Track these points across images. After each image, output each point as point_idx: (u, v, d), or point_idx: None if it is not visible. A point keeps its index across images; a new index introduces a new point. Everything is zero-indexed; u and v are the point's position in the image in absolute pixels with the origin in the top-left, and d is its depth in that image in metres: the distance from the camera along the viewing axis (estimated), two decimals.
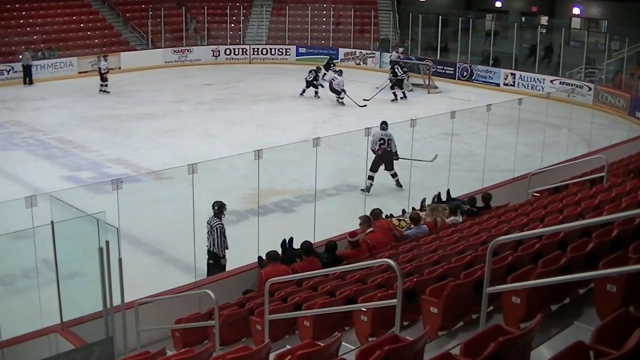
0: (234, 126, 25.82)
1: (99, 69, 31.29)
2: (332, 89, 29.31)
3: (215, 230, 12.76)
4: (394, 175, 18.49)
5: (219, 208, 12.93)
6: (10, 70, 30.71)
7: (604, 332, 4.96)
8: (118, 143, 23.51)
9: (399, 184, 18.41)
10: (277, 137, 22.93)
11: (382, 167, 18.56)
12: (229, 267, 12.36)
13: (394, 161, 18.51)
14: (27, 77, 31.44)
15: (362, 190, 18.03)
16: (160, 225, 13.35)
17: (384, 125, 18.46)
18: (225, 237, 12.90)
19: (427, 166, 18.99)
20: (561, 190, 14.32)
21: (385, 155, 18.29)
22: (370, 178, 18.22)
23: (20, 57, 32.18)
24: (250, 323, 9.55)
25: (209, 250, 12.92)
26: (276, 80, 32.92)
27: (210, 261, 12.92)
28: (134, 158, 21.70)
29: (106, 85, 31.08)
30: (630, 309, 5.90)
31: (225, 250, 12.94)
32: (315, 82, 30.77)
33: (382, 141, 18.24)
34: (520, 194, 15.54)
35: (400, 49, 35.47)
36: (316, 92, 30.76)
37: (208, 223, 12.90)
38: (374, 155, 18.27)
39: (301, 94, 30.69)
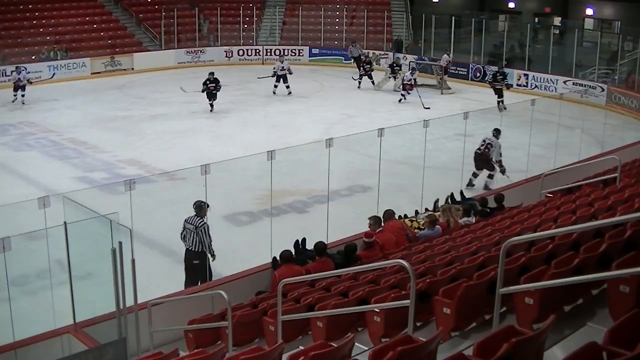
0: (247, 127, 25.85)
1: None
2: None
3: (201, 230, 12.58)
4: (490, 177, 18.82)
5: (199, 207, 12.73)
6: (22, 70, 30.62)
7: (617, 333, 4.96)
8: (131, 144, 23.59)
9: (488, 180, 18.90)
10: (290, 137, 22.93)
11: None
12: (242, 268, 12.32)
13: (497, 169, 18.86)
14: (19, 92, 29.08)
15: (467, 185, 18.55)
16: (173, 226, 13.35)
17: (494, 131, 19.00)
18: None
19: (441, 167, 18.99)
20: (574, 191, 14.26)
21: (482, 156, 18.77)
22: (474, 174, 18.95)
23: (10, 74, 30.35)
24: (264, 324, 9.55)
25: (194, 251, 12.68)
26: (289, 81, 32.91)
27: (196, 262, 12.64)
28: (147, 159, 21.76)
29: (23, 96, 28.98)
30: None
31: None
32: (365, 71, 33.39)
33: (483, 143, 18.81)
34: (534, 194, 15.49)
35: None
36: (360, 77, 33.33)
37: (190, 223, 12.67)
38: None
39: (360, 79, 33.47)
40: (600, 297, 7.31)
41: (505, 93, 28.85)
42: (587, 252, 7.70)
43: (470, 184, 18.71)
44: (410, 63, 34.42)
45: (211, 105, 27.94)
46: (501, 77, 29.16)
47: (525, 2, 45.26)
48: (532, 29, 37.98)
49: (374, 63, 34.65)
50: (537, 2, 45.29)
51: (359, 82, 33.19)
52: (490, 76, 30.45)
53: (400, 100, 29.94)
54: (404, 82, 30.14)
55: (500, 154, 18.74)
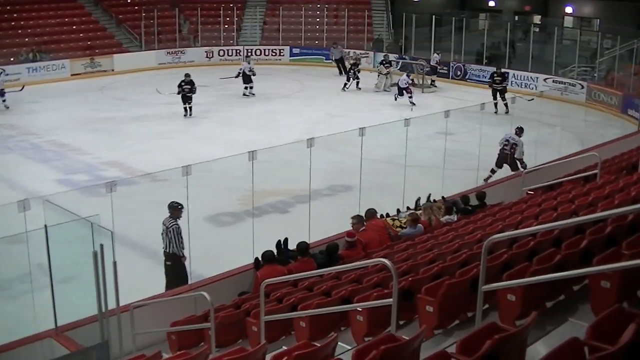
0: (231, 127, 25.79)
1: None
2: None
3: (170, 230, 12.71)
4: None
5: (173, 209, 12.84)
6: (1, 73, 30.45)
7: (599, 328, 4.98)
8: (113, 145, 23.44)
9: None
10: (272, 138, 22.85)
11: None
12: (224, 269, 12.26)
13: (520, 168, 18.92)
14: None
15: (484, 180, 18.96)
16: (155, 227, 13.32)
17: (517, 129, 19.30)
18: (181, 237, 12.83)
19: (422, 165, 19.02)
20: (555, 188, 14.34)
21: (507, 155, 19.14)
22: (492, 171, 19.30)
23: None
24: (246, 324, 9.54)
25: (165, 252, 12.90)
26: (270, 80, 32.89)
27: (168, 263, 12.87)
28: (129, 160, 21.65)
29: (4, 101, 28.58)
30: (624, 304, 5.92)
31: (183, 250, 12.91)
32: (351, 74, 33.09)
33: (506, 142, 19.20)
34: (515, 192, 15.56)
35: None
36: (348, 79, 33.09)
37: (163, 224, 12.86)
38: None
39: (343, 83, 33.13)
40: (582, 293, 7.36)
41: (487, 91, 28.76)
42: (568, 248, 7.74)
43: (486, 180, 18.92)
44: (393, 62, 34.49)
45: (185, 109, 27.22)
46: (499, 78, 28.78)
47: (505, 0, 45.45)
48: (513, 27, 38.08)
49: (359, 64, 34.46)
50: (518, 1, 45.51)
51: (346, 86, 32.97)
52: (488, 77, 30.30)
53: (395, 99, 29.71)
54: (403, 87, 29.40)
55: (523, 152, 19.05)
